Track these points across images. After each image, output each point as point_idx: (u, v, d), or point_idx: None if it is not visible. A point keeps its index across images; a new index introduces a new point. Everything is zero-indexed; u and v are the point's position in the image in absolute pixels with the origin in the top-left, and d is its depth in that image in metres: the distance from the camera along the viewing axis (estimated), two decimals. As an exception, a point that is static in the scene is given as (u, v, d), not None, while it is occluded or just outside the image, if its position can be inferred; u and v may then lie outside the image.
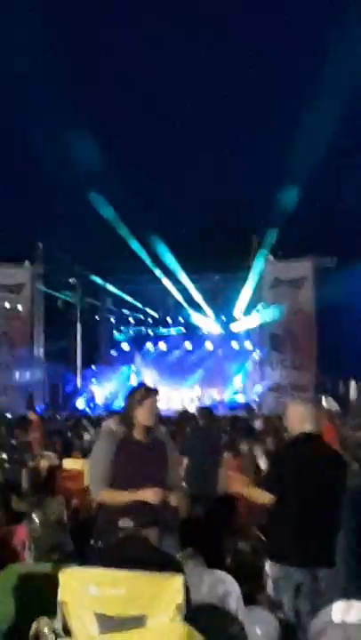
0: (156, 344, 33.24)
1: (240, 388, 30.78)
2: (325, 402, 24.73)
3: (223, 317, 30.95)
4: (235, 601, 4.36)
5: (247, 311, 29.06)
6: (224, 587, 4.38)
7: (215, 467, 10.34)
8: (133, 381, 31.18)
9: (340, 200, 28.22)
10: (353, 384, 25.77)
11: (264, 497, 5.41)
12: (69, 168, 26.63)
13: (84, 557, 5.03)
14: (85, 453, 11.15)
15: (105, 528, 4.93)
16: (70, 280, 29.82)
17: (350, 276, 23.72)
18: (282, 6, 33.00)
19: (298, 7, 31.94)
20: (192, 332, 32.34)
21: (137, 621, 3.77)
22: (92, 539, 5.57)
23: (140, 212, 26.28)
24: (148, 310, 32.63)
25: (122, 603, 3.78)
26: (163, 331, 33.39)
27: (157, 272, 27.89)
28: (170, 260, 27.38)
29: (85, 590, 3.83)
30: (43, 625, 4.08)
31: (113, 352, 33.80)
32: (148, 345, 33.43)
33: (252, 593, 4.95)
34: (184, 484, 9.22)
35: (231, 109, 32.06)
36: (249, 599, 4.59)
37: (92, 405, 29.67)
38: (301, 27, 32.33)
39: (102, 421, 11.15)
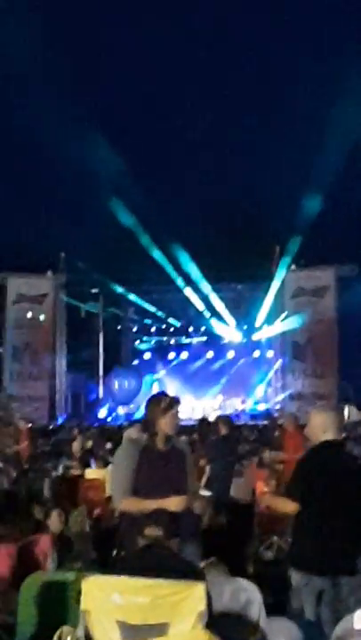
0: (178, 353, 33.25)
1: (262, 396, 30.74)
2: (347, 410, 24.73)
3: (245, 326, 30.89)
4: (257, 609, 4.36)
5: (269, 320, 28.99)
6: (246, 595, 4.38)
7: (236, 475, 10.36)
8: (155, 391, 31.23)
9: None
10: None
11: (289, 506, 5.40)
12: (91, 177, 26.76)
13: (107, 566, 5.05)
14: (107, 463, 11.17)
15: (128, 536, 4.92)
16: (92, 290, 29.88)
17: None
18: (294, 6, 32.75)
19: (309, 6, 31.75)
20: (214, 341, 32.30)
21: (159, 629, 3.79)
22: (114, 547, 5.58)
23: (163, 221, 26.25)
24: (170, 319, 32.62)
25: (144, 611, 3.80)
26: (185, 340, 33.40)
27: (179, 281, 27.87)
28: (192, 268, 27.38)
29: (108, 598, 3.85)
30: (65, 633, 4.11)
31: (135, 361, 33.84)
32: (171, 354, 33.45)
33: (275, 602, 4.93)
34: (207, 492, 9.25)
35: (256, 118, 32.07)
36: (272, 608, 4.57)
37: (113, 415, 29.71)
38: (315, 26, 32.14)
39: (124, 431, 11.22)
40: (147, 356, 33.79)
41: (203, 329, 32.42)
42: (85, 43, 31.88)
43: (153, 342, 34.19)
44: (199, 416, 26.53)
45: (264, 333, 29.91)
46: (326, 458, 5.29)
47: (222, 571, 4.70)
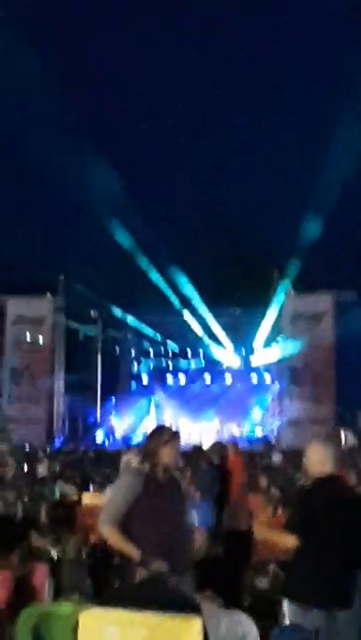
0: (175, 377, 33.25)
1: (259, 421, 30.71)
2: (344, 436, 24.73)
3: (243, 350, 30.93)
4: (253, 643, 4.37)
5: (267, 344, 29.06)
6: (242, 628, 4.38)
7: (231, 503, 10.33)
8: (153, 414, 31.19)
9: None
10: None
11: (288, 540, 5.42)
12: (89, 199, 26.82)
13: (103, 596, 5.05)
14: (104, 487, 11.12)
15: (128, 567, 4.98)
16: (91, 312, 29.94)
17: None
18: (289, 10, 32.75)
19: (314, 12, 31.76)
20: (212, 365, 32.32)
21: (155, 663, 3.80)
22: (111, 577, 5.61)
23: (161, 244, 26.34)
24: (168, 343, 32.66)
25: (141, 644, 3.81)
26: (183, 363, 33.42)
27: (178, 305, 27.94)
28: (190, 292, 27.46)
29: (105, 632, 3.86)
30: (62, 666, 4.12)
31: (133, 384, 33.84)
32: (168, 378, 33.44)
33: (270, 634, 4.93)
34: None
35: (256, 140, 32.12)
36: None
37: (110, 439, 29.65)
38: (318, 35, 32.22)
39: (122, 456, 11.21)
40: (145, 379, 33.77)
41: (201, 353, 32.45)
42: (82, 60, 32.06)
43: (151, 366, 34.20)
44: (196, 440, 26.54)
45: (262, 358, 29.93)
46: (324, 492, 5.31)
47: (217, 603, 4.71)
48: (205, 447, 13.58)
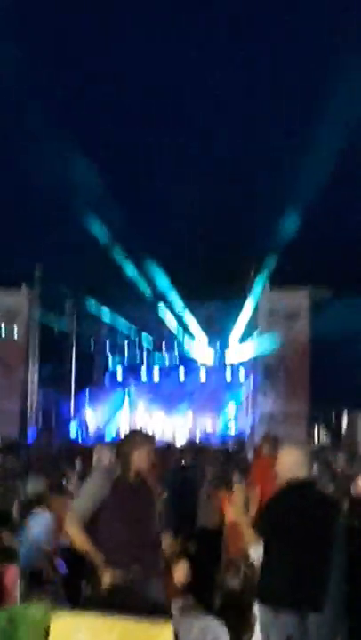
0: (150, 371, 33.19)
1: (232, 416, 30.75)
2: (317, 432, 24.87)
3: (218, 345, 30.92)
4: (223, 648, 4.38)
5: (242, 340, 29.08)
6: (213, 634, 4.40)
7: (203, 501, 10.33)
8: (126, 409, 31.16)
9: (340, 230, 28.24)
10: (345, 415, 25.79)
11: (251, 537, 5.44)
12: (65, 191, 26.67)
13: (75, 597, 5.04)
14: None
15: (96, 571, 4.96)
16: (66, 305, 29.84)
17: (346, 308, 23.83)
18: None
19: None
20: (186, 360, 32.30)
21: (127, 669, 3.79)
22: (83, 578, 5.58)
23: (137, 237, 26.27)
24: (142, 337, 32.62)
25: (112, 650, 3.80)
26: (157, 358, 33.38)
27: (153, 299, 27.90)
28: (166, 286, 27.42)
29: (77, 637, 3.85)
30: (32, 670, 4.10)
31: (107, 378, 33.75)
32: (142, 372, 33.39)
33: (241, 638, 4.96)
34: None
35: (236, 134, 32.04)
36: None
37: (83, 432, 29.56)
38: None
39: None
40: (119, 373, 33.69)
41: (175, 347, 32.42)
42: (64, 53, 31.82)
43: (125, 360, 34.13)
44: (169, 437, 26.59)
45: (237, 354, 29.96)
46: (296, 496, 5.32)
47: (196, 608, 4.72)
48: (178, 443, 13.62)
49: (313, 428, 25.23)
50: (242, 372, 30.39)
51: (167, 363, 33.00)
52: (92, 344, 32.99)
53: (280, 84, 31.42)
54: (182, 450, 11.83)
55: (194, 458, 11.09)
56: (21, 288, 27.65)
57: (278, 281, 26.73)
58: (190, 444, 12.31)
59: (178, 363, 32.67)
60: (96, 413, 30.95)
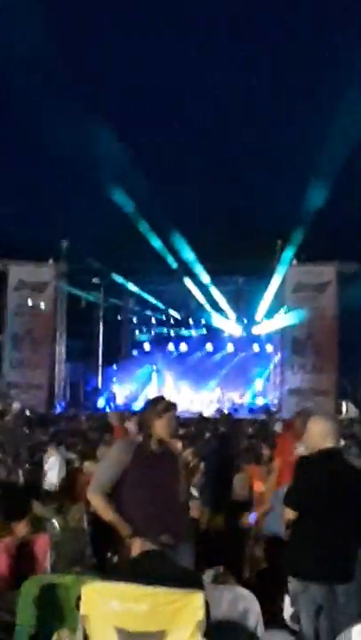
0: (177, 345, 33.25)
1: (260, 391, 30.76)
2: (345, 406, 24.78)
3: (245, 320, 30.87)
4: (254, 618, 4.38)
5: (269, 314, 28.99)
6: (244, 604, 4.39)
7: (235, 472, 10.32)
8: (154, 382, 31.25)
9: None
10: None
11: (287, 514, 5.43)
12: (91, 164, 26.63)
13: (105, 567, 5.05)
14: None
15: (120, 538, 4.98)
16: (93, 279, 29.87)
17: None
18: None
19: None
20: (214, 333, 32.30)
21: (157, 637, 3.81)
22: (111, 547, 5.61)
23: (164, 211, 26.16)
24: (170, 311, 32.64)
25: (143, 618, 3.81)
26: (184, 332, 33.42)
27: (180, 273, 27.82)
28: (193, 261, 27.33)
29: (107, 605, 3.86)
30: (63, 637, 4.14)
31: (134, 352, 33.86)
32: (170, 346, 33.45)
33: (272, 611, 4.95)
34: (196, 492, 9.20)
35: (256, 105, 31.87)
36: (269, 617, 4.59)
37: (112, 405, 29.68)
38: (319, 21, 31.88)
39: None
40: (146, 346, 33.78)
41: (203, 321, 32.42)
42: (86, 28, 31.79)
43: (153, 333, 34.21)
44: (197, 409, 26.60)
45: (264, 328, 29.89)
46: (325, 466, 5.30)
47: (228, 578, 4.71)
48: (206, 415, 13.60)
49: (341, 402, 25.13)
50: (269, 346, 30.34)
51: (194, 336, 33.05)
52: (119, 318, 33.08)
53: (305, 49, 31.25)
54: (216, 420, 11.77)
55: (228, 429, 11.04)
56: (48, 262, 27.64)
57: (306, 255, 26.56)
58: (223, 414, 12.24)
59: (205, 336, 32.70)
60: (124, 386, 31.06)
